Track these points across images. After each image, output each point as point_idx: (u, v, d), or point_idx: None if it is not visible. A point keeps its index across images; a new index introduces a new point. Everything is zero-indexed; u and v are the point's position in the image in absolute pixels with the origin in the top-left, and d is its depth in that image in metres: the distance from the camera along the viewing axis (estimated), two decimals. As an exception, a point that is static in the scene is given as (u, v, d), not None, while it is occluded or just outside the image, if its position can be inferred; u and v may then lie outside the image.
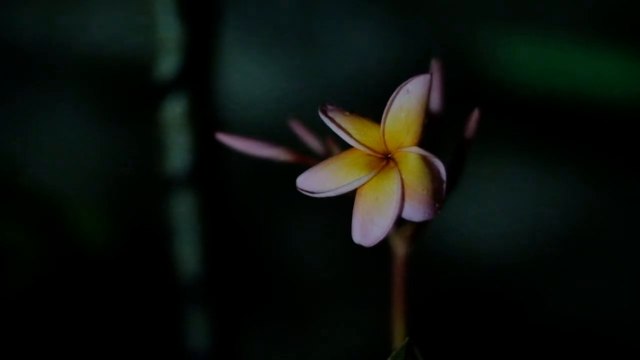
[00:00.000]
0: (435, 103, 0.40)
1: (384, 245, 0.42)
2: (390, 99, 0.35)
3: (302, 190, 0.34)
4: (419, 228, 0.39)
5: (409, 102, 0.35)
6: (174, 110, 0.55)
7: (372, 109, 0.38)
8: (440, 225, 0.88)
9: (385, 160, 0.35)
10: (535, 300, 0.85)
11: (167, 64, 0.54)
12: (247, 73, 1.10)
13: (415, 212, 0.34)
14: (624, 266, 0.95)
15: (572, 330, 0.85)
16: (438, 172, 0.34)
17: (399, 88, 0.35)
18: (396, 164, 0.34)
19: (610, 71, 0.98)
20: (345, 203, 0.36)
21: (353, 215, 0.34)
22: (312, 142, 0.41)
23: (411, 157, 0.34)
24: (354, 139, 0.35)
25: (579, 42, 1.05)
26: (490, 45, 1.13)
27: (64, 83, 1.16)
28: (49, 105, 1.15)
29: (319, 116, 0.35)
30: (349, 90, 1.11)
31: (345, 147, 0.36)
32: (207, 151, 0.57)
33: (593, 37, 1.12)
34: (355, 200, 0.34)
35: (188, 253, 0.61)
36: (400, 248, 0.40)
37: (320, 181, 0.35)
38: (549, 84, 1.06)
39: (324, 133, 0.40)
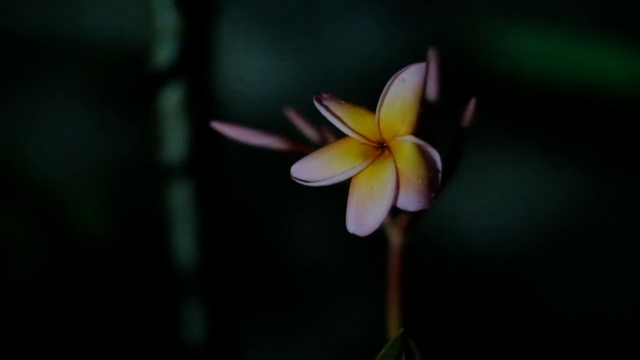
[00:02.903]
0: (431, 92, 0.40)
1: (383, 236, 0.42)
2: (386, 87, 0.35)
3: (296, 179, 0.34)
4: (414, 217, 0.39)
5: (404, 91, 0.35)
6: (171, 100, 0.55)
7: (374, 101, 0.38)
8: (438, 216, 0.88)
9: (380, 149, 0.34)
10: (533, 293, 0.85)
11: (165, 53, 0.54)
12: (247, 64, 1.10)
13: (410, 201, 0.34)
14: (624, 258, 0.95)
15: (571, 323, 0.85)
16: (433, 161, 0.34)
17: (394, 77, 0.35)
18: (391, 152, 0.34)
19: (614, 64, 0.98)
20: (344, 193, 0.36)
21: (348, 204, 0.34)
22: (308, 130, 0.41)
23: (406, 146, 0.34)
24: (349, 127, 0.35)
25: (582, 35, 1.05)
26: (494, 38, 1.13)
27: (62, 74, 1.16)
28: (46, 96, 1.15)
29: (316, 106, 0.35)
30: (350, 81, 1.11)
31: (340, 136, 0.36)
32: (204, 141, 0.57)
33: (597, 30, 1.12)
34: (350, 189, 0.34)
35: (185, 243, 0.61)
36: (395, 237, 0.40)
37: (314, 170, 0.34)
38: (552, 76, 1.05)
39: (322, 123, 0.40)
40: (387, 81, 0.35)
